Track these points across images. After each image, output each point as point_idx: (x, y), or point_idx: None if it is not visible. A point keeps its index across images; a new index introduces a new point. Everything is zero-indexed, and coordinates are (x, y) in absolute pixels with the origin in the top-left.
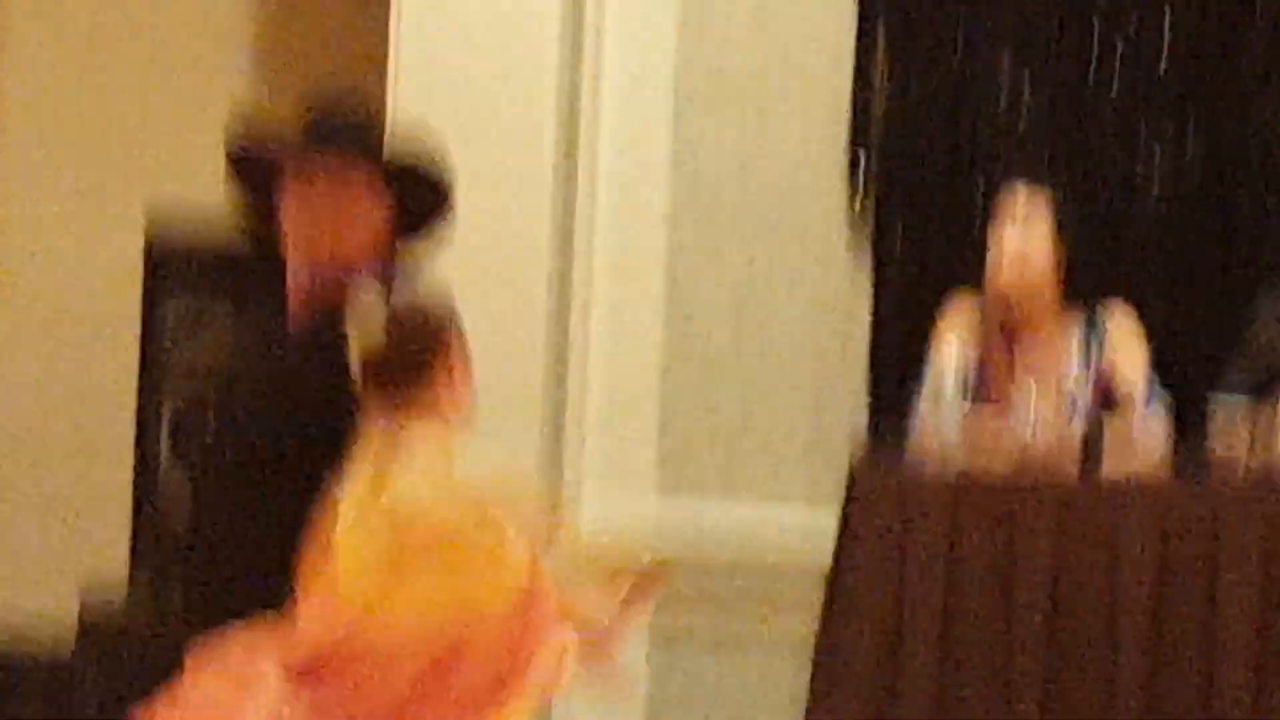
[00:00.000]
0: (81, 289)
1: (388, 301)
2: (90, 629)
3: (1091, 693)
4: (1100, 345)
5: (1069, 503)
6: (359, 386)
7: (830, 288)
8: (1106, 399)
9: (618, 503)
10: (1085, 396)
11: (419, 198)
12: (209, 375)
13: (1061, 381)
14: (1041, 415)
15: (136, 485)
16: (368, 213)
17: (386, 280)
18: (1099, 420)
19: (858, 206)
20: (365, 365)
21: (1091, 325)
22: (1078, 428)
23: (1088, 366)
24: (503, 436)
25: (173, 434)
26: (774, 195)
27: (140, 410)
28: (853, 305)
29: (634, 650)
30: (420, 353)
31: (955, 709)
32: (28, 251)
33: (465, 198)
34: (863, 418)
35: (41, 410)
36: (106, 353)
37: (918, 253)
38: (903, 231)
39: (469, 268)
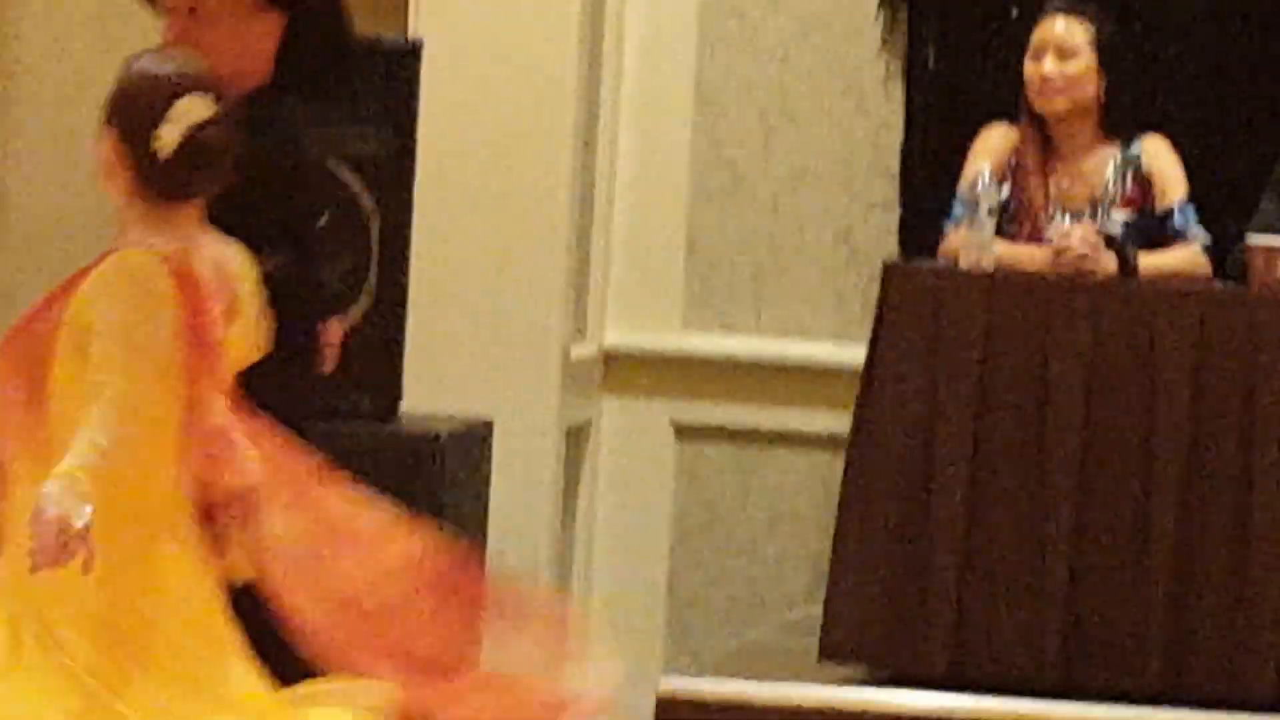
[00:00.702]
0: None
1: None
2: None
3: (1127, 490)
4: (1136, 173)
5: (1105, 298)
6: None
7: (862, 118)
8: (1143, 230)
9: (641, 335)
10: (1121, 227)
11: (307, 25)
12: None
13: (1097, 212)
14: (1077, 246)
15: None
16: (235, 36)
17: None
18: (1135, 250)
19: (891, 33)
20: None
21: (1128, 155)
22: (1112, 259)
23: (1124, 195)
24: (527, 266)
25: None
26: (806, 20)
27: None
28: (884, 137)
29: (660, 444)
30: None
31: (989, 505)
32: None
33: (493, 16)
34: (894, 252)
35: None
36: None
37: (952, 82)
38: (936, 61)
39: (491, 98)
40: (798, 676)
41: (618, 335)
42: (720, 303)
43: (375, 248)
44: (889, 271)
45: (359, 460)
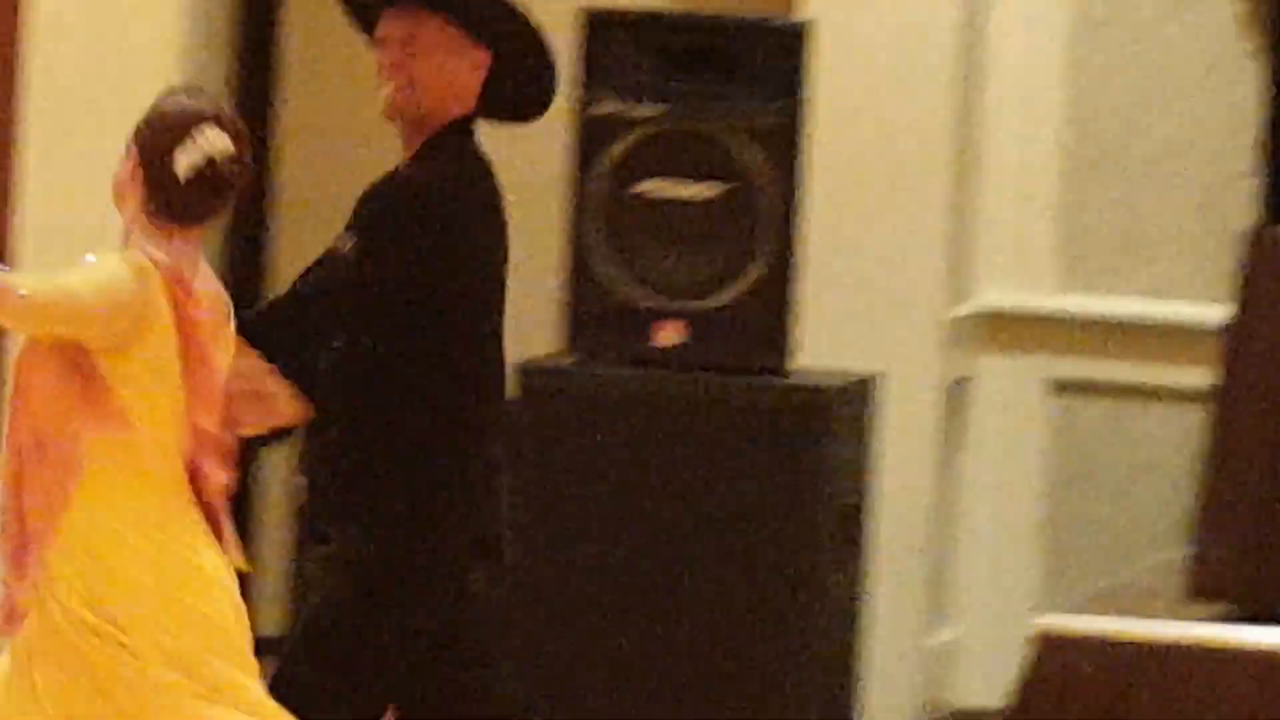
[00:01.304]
0: None
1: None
2: None
3: None
4: None
5: None
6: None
7: (1227, 91)
8: None
9: (1019, 296)
10: None
11: (514, 62)
12: None
13: None
14: None
15: None
16: (445, 68)
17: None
18: None
19: (1257, 10)
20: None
21: None
22: None
23: None
24: (911, 231)
25: None
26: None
27: None
28: (1249, 109)
29: (1037, 399)
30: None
31: None
32: None
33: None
34: (1256, 218)
35: None
36: None
37: None
38: None
39: (871, 69)
40: (1167, 615)
41: (998, 296)
42: (1093, 265)
43: (769, 215)
44: (1251, 237)
45: (752, 411)
